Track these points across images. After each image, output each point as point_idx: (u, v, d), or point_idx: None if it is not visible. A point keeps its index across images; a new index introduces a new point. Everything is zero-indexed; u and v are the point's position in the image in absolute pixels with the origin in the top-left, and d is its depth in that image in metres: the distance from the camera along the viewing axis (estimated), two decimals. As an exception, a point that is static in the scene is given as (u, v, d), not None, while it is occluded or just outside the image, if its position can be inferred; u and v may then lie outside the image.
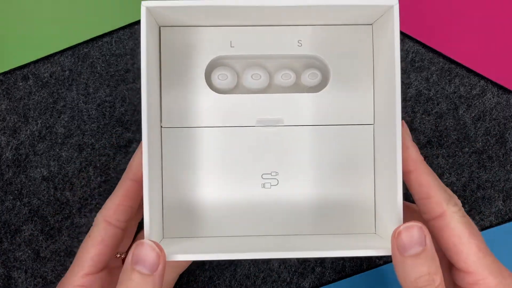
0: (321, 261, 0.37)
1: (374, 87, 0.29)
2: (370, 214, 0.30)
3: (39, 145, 0.37)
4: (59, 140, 0.37)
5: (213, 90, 0.30)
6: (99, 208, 0.37)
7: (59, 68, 0.37)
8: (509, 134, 0.37)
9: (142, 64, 0.25)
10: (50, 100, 0.37)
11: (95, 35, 0.37)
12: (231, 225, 0.30)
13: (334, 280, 0.37)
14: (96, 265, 0.27)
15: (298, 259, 0.37)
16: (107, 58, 0.37)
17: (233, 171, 0.30)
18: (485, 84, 0.37)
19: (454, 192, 0.37)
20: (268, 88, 0.31)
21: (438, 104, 0.37)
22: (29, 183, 0.37)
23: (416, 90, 0.37)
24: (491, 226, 0.37)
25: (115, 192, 0.29)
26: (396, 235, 0.24)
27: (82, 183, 0.37)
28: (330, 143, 0.30)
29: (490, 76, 0.37)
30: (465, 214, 0.26)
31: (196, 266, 0.37)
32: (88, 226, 0.37)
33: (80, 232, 0.37)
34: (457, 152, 0.37)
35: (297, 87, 0.31)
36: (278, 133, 0.30)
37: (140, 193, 0.27)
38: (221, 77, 0.29)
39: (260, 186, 0.30)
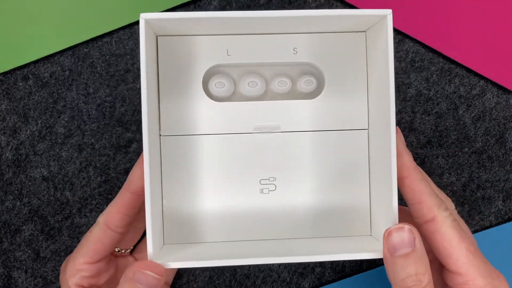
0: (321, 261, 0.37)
1: (368, 93, 0.30)
2: (366, 217, 0.30)
3: (39, 145, 0.37)
4: (59, 140, 0.37)
5: (211, 98, 0.30)
6: (99, 208, 0.37)
7: (59, 68, 0.37)
8: (509, 134, 0.37)
9: (142, 76, 0.26)
10: (50, 100, 0.37)
11: (95, 35, 0.37)
12: (230, 230, 0.30)
13: (334, 280, 0.37)
14: (93, 257, 0.30)
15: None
16: (107, 58, 0.37)
17: (231, 177, 0.30)
18: (485, 84, 0.37)
19: (454, 192, 0.37)
20: (264, 95, 0.31)
21: (438, 104, 0.37)
22: (29, 183, 0.37)
23: (416, 90, 0.37)
24: (491, 226, 0.37)
25: (115, 200, 0.30)
26: (386, 236, 0.25)
27: (82, 183, 0.37)
28: (326, 148, 0.30)
29: (490, 76, 0.37)
30: (456, 218, 0.28)
31: (196, 266, 0.37)
32: (88, 226, 0.37)
33: (80, 232, 0.37)
34: (457, 152, 0.37)
35: (293, 94, 0.31)
36: (275, 139, 0.30)
37: (138, 204, 0.30)
38: (219, 85, 0.30)
39: (258, 191, 0.30)
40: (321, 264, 0.37)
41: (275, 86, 0.31)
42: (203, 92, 0.30)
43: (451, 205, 0.30)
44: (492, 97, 0.37)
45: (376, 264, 0.37)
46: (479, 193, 0.37)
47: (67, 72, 0.37)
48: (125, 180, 0.37)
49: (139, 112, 0.37)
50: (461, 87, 0.37)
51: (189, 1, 0.37)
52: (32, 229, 0.37)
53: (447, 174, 0.37)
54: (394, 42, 0.37)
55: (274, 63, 0.30)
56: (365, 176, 0.30)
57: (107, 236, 0.30)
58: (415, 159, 0.37)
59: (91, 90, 0.37)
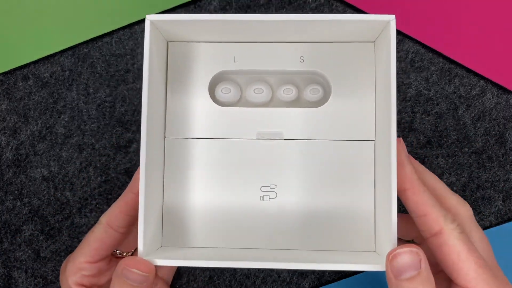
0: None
1: (376, 104, 0.30)
2: (370, 230, 0.30)
3: (39, 145, 0.37)
4: (59, 140, 0.37)
5: (216, 103, 0.30)
6: (99, 208, 0.37)
7: (59, 68, 0.37)
8: (508, 134, 0.37)
9: (144, 76, 0.26)
10: (50, 100, 0.37)
11: (95, 35, 0.37)
12: (230, 237, 0.30)
13: (334, 280, 0.37)
14: (94, 257, 0.30)
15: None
16: (107, 58, 0.37)
17: (232, 183, 0.30)
18: (485, 84, 0.37)
19: (454, 192, 0.37)
20: (270, 103, 0.31)
21: (438, 104, 0.37)
22: (29, 183, 0.37)
23: (416, 90, 0.37)
24: (490, 226, 0.37)
25: (119, 201, 0.30)
26: (390, 259, 0.25)
27: (82, 183, 0.37)
28: (330, 158, 0.30)
29: (490, 76, 0.37)
30: (463, 230, 0.27)
31: (198, 266, 0.37)
32: (88, 226, 0.37)
33: (80, 232, 0.37)
34: (457, 152, 0.37)
35: (298, 102, 0.31)
36: (278, 147, 0.30)
37: None
38: (225, 91, 0.30)
39: (259, 198, 0.30)
40: (321, 264, 0.37)
41: (281, 94, 0.31)
42: (209, 97, 0.30)
43: (469, 209, 0.29)
44: (492, 97, 0.37)
45: (376, 264, 0.38)
46: (479, 193, 0.37)
47: (67, 72, 0.37)
48: (125, 180, 0.37)
49: (139, 112, 0.37)
50: (461, 87, 0.37)
51: (189, 1, 0.37)
52: (32, 229, 0.37)
53: (447, 174, 0.37)
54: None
55: (280, 71, 0.30)
56: (370, 188, 0.30)
57: (108, 236, 0.30)
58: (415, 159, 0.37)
59: (91, 90, 0.37)
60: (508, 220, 0.37)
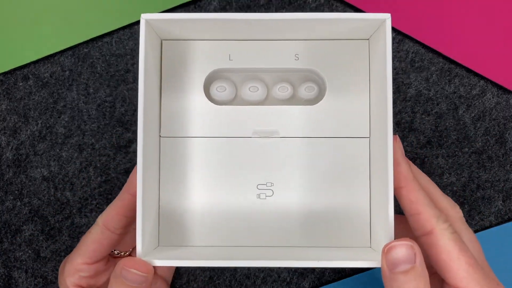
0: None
1: (370, 101, 0.30)
2: (366, 227, 0.30)
3: (39, 145, 0.37)
4: (59, 140, 0.37)
5: (212, 102, 0.30)
6: (99, 208, 0.37)
7: (59, 68, 0.37)
8: (509, 134, 0.37)
9: (140, 75, 0.26)
10: (50, 100, 0.37)
11: (95, 35, 0.37)
12: (227, 235, 0.30)
13: (334, 280, 0.37)
14: (91, 258, 0.30)
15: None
16: (107, 58, 0.37)
17: (229, 181, 0.30)
18: (485, 84, 0.37)
19: (454, 192, 0.37)
20: (265, 101, 0.31)
21: (438, 104, 0.37)
22: (30, 183, 0.37)
23: (416, 90, 0.37)
24: (490, 226, 0.37)
25: (115, 202, 0.30)
26: (385, 252, 0.25)
27: (82, 183, 0.37)
28: (325, 155, 0.30)
29: (490, 76, 0.37)
30: (455, 230, 0.27)
31: (196, 266, 0.37)
32: (88, 226, 0.37)
33: (80, 232, 0.37)
34: (457, 152, 0.37)
35: (294, 100, 0.31)
36: (274, 145, 0.30)
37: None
38: (220, 89, 0.30)
39: (256, 196, 0.30)
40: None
41: (276, 92, 0.31)
42: (204, 95, 0.30)
43: (458, 211, 0.30)
44: (492, 97, 0.37)
45: (376, 264, 0.38)
46: (479, 193, 0.37)
47: (67, 72, 0.37)
48: (125, 180, 0.37)
49: (139, 112, 0.37)
50: (461, 87, 0.37)
51: (189, 1, 0.37)
52: (32, 229, 0.37)
53: (447, 174, 0.37)
54: (395, 43, 0.37)
55: (275, 69, 0.30)
56: (366, 186, 0.30)
57: (105, 237, 0.30)
58: (415, 159, 0.37)
59: (91, 90, 0.37)
60: (508, 220, 0.37)
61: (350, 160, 0.30)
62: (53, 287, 0.38)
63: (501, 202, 0.37)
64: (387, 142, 0.26)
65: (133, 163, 0.37)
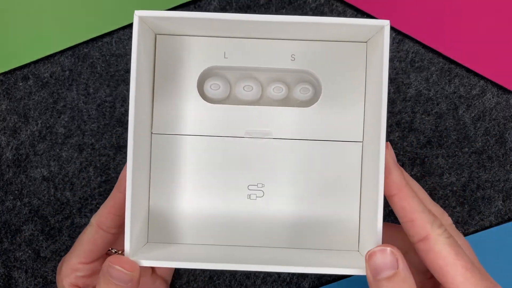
0: (321, 261, 0.37)
1: (365, 105, 0.30)
2: (354, 232, 0.30)
3: (39, 145, 0.37)
4: (59, 140, 0.37)
5: (205, 100, 0.30)
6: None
7: (59, 68, 0.37)
8: (508, 134, 0.37)
9: (132, 70, 0.26)
10: (50, 100, 0.37)
11: (95, 35, 0.37)
12: (216, 234, 0.30)
13: (334, 280, 0.37)
14: (87, 258, 0.30)
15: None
16: (107, 58, 0.37)
17: (220, 180, 0.30)
18: (485, 84, 0.37)
19: (454, 192, 0.37)
20: (259, 100, 0.31)
21: (438, 104, 0.37)
22: (29, 183, 0.37)
23: (416, 90, 0.37)
24: (490, 226, 0.37)
25: (107, 202, 0.30)
26: (368, 258, 0.25)
27: (82, 183, 0.37)
28: (317, 158, 0.30)
29: (490, 76, 0.37)
30: (451, 234, 0.27)
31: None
32: (88, 226, 0.37)
33: (80, 232, 0.37)
34: (457, 152, 0.37)
35: (288, 101, 0.31)
36: (266, 146, 0.30)
37: None
38: (214, 87, 0.30)
39: (246, 197, 0.30)
40: (321, 264, 0.37)
41: (270, 92, 0.30)
42: (198, 93, 0.30)
43: (447, 219, 0.30)
44: (492, 97, 0.37)
45: (376, 264, 0.38)
46: (479, 193, 0.37)
47: (67, 72, 0.37)
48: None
49: (139, 112, 0.37)
50: (461, 87, 0.37)
51: (189, 1, 0.37)
52: (32, 229, 0.37)
53: (447, 174, 0.37)
54: (394, 43, 0.37)
55: (270, 69, 0.30)
56: (356, 190, 0.30)
57: (99, 237, 0.30)
58: (415, 159, 0.37)
59: (91, 90, 0.37)
60: (508, 220, 0.37)
61: (342, 164, 0.30)
62: (53, 287, 0.38)
63: (501, 202, 0.37)
64: (379, 148, 0.25)
65: (133, 163, 0.37)
